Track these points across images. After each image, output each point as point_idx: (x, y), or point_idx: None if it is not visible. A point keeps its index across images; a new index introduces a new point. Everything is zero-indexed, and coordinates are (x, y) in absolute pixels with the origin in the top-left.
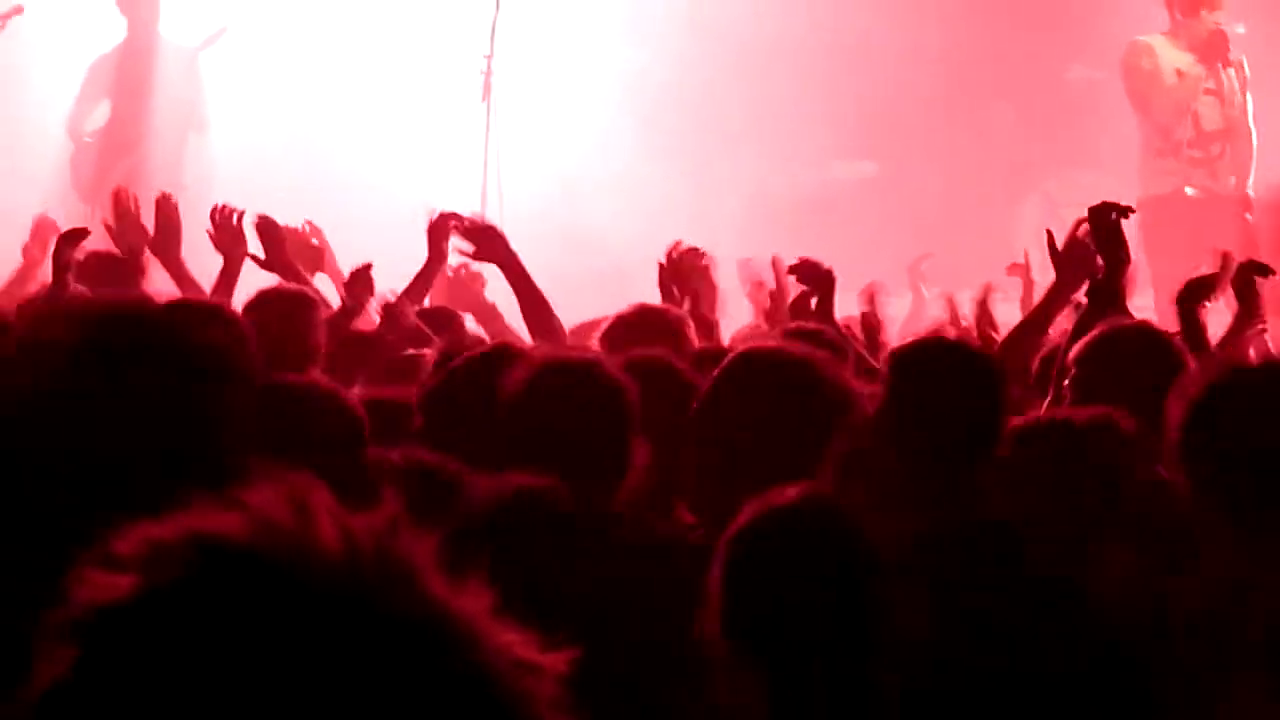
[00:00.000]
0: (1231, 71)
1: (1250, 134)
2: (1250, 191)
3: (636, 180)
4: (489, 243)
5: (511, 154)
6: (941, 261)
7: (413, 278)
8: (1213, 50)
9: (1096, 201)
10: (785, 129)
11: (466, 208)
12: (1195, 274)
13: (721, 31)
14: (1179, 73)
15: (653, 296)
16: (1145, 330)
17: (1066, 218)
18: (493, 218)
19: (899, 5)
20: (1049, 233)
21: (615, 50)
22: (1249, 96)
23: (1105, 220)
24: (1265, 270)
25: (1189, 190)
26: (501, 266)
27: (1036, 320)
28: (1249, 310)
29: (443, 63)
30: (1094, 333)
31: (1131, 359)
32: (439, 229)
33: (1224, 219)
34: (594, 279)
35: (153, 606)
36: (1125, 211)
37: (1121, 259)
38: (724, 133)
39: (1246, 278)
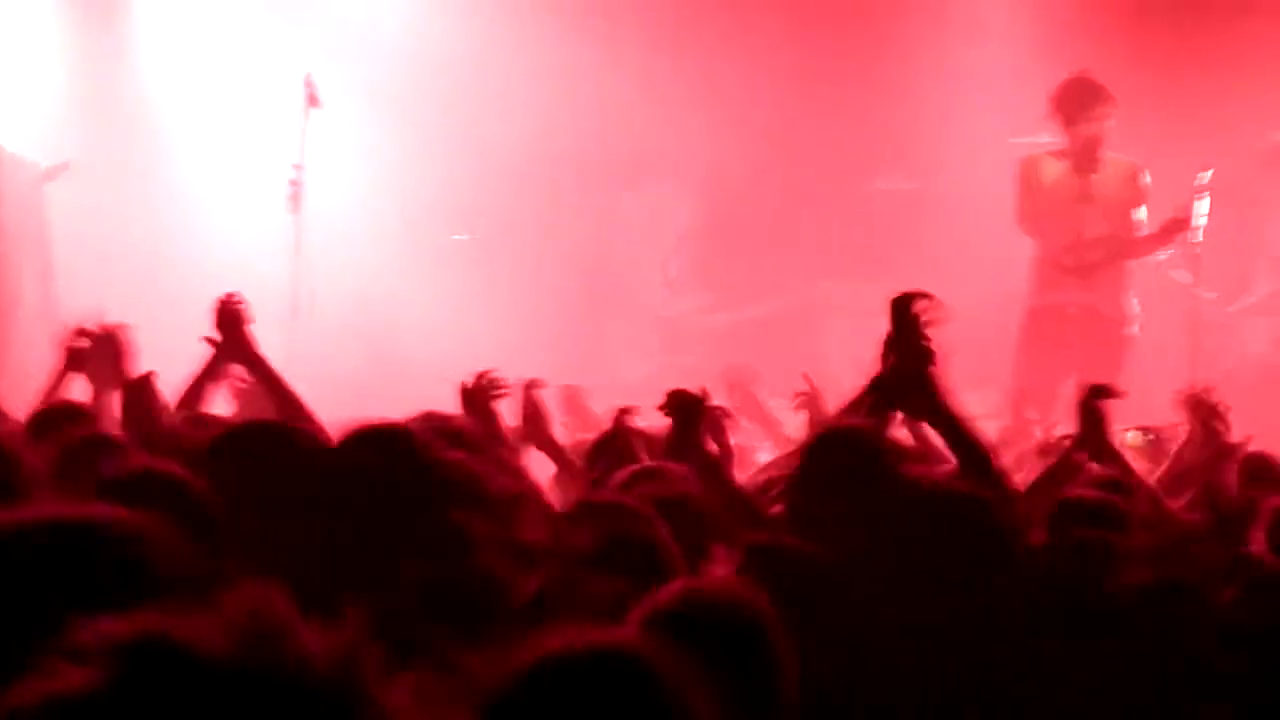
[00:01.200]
0: (1110, 177)
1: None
2: (1131, 301)
3: (436, 288)
4: (238, 340)
5: (319, 260)
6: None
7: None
8: (1087, 158)
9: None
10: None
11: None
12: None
13: (519, 147)
14: (1053, 184)
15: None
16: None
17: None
18: (303, 325)
19: (709, 119)
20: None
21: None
22: (1142, 208)
23: (904, 311)
24: (1106, 393)
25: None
26: (247, 363)
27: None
28: (1090, 427)
29: (253, 169)
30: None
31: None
32: (230, 316)
33: (1098, 334)
34: (391, 384)
35: (93, 701)
36: (925, 300)
37: (919, 353)
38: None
39: (1091, 397)
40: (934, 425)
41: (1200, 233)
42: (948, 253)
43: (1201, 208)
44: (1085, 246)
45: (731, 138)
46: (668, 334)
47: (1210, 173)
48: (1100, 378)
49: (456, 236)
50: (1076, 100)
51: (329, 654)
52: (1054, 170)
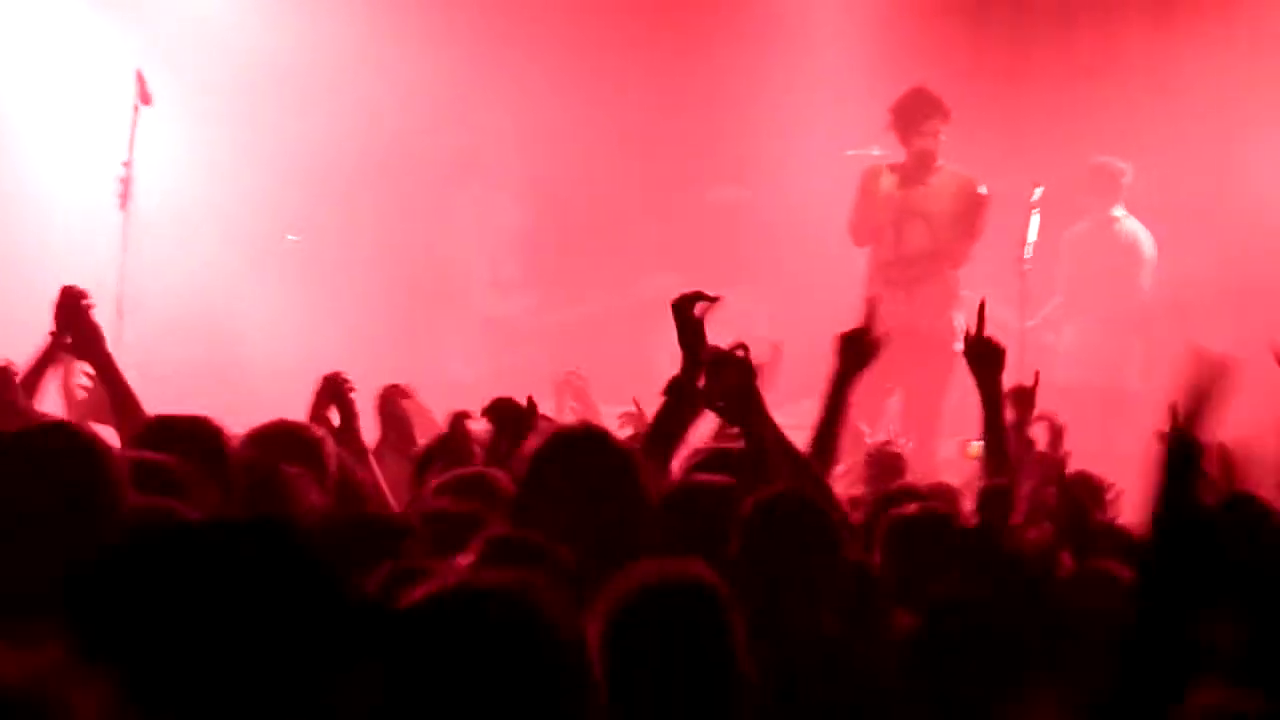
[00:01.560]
0: (942, 192)
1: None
2: (957, 317)
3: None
4: (89, 341)
5: (147, 257)
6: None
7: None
8: (918, 171)
9: (738, 319)
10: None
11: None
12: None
13: (350, 146)
14: (884, 196)
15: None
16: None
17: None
18: (129, 323)
19: (543, 128)
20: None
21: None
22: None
23: (684, 313)
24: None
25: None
26: (95, 362)
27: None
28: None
29: (82, 166)
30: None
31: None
32: (69, 307)
33: (919, 349)
34: (219, 381)
35: None
36: (710, 301)
37: (698, 354)
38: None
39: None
40: (741, 427)
41: (1030, 249)
42: (782, 263)
43: (1033, 224)
44: (906, 262)
45: (564, 139)
46: (498, 334)
47: (1040, 190)
48: (924, 393)
49: (290, 237)
50: (910, 113)
51: (19, 667)
52: (888, 183)
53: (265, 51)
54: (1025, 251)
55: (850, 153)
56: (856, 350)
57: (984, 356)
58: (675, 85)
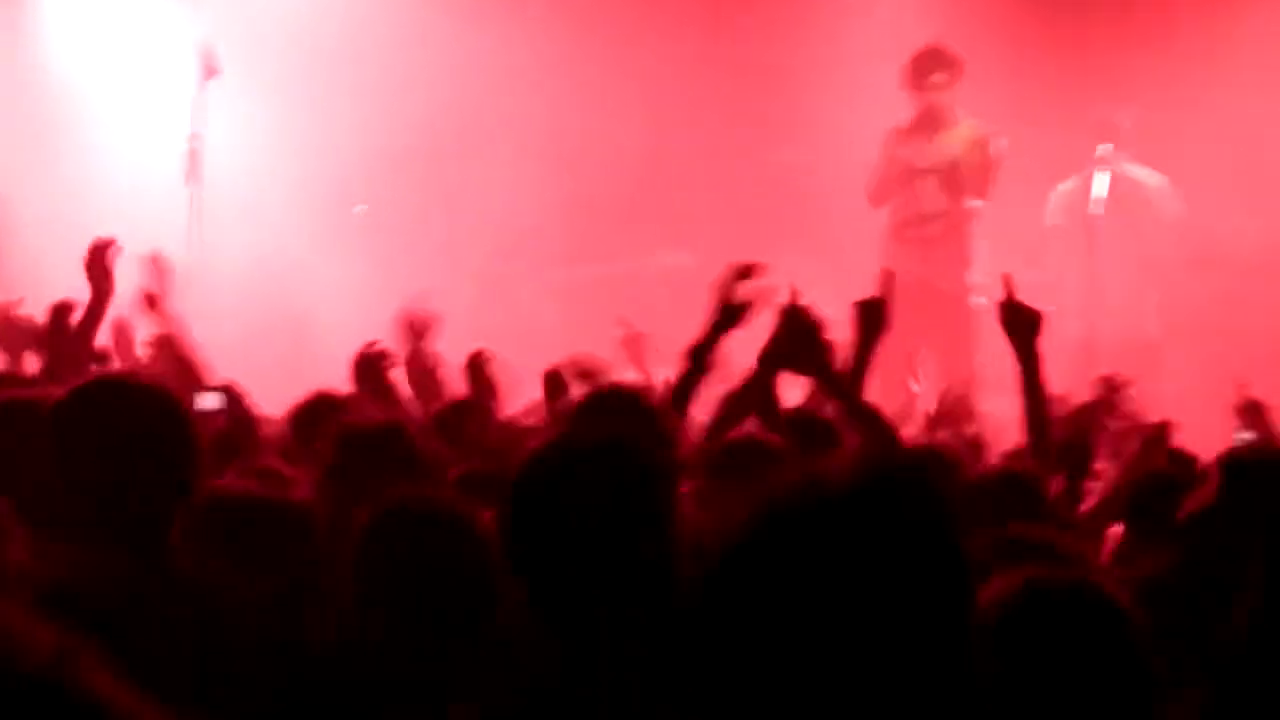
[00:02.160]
0: (954, 146)
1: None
2: (974, 277)
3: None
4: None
5: (214, 229)
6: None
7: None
8: (927, 124)
9: (816, 289)
10: (467, 224)
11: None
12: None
13: (417, 121)
14: (897, 156)
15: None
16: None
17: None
18: (198, 295)
19: (604, 97)
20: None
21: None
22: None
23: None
24: None
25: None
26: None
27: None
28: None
29: (149, 140)
30: None
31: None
32: (97, 262)
33: (937, 308)
34: (287, 350)
35: None
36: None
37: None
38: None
39: None
40: (826, 389)
41: (1097, 205)
42: (840, 227)
43: (1099, 181)
44: (922, 220)
45: (622, 108)
46: (564, 299)
47: (1107, 147)
48: (949, 351)
49: (357, 208)
50: (915, 69)
51: (42, 646)
52: (902, 142)
53: (326, 26)
54: (1092, 207)
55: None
56: (873, 318)
57: (1018, 322)
58: (735, 52)
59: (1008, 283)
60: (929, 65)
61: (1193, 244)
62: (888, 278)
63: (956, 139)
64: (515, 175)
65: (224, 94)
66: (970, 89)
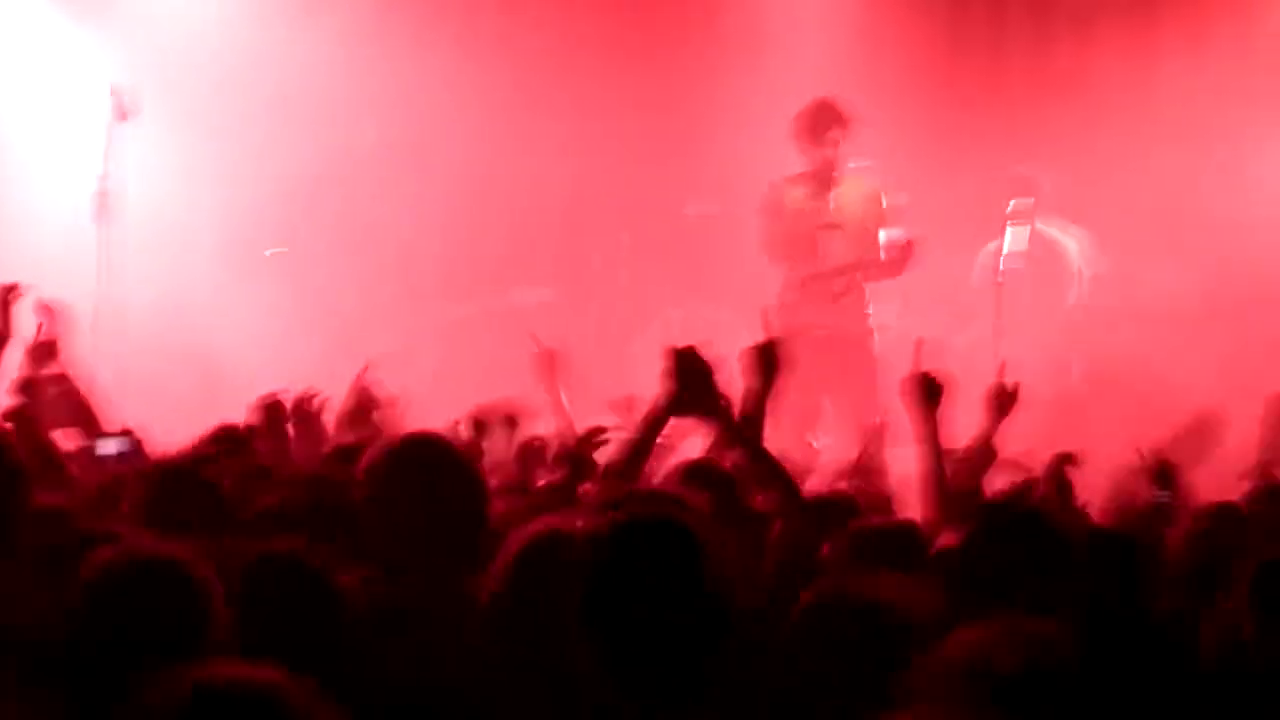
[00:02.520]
0: (852, 200)
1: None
2: (871, 319)
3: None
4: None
5: (128, 269)
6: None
7: None
8: (824, 182)
9: (715, 333)
10: (380, 262)
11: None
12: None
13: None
14: (795, 210)
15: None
16: None
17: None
18: (106, 337)
19: (523, 136)
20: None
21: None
22: (884, 229)
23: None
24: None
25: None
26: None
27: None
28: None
29: (60, 180)
30: None
31: None
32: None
33: (845, 354)
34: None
35: None
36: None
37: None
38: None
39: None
40: (724, 435)
41: (1007, 261)
42: (756, 277)
43: (1012, 237)
44: (830, 275)
45: (544, 152)
46: (476, 335)
47: (1017, 202)
48: (855, 398)
49: (270, 251)
50: (811, 124)
51: None
52: (796, 196)
53: (239, 65)
54: (1000, 264)
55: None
56: (768, 362)
57: (924, 392)
58: (653, 100)
59: (918, 351)
60: (827, 120)
61: (1114, 296)
62: (767, 318)
63: (854, 193)
64: (426, 212)
65: (137, 133)
66: (889, 145)
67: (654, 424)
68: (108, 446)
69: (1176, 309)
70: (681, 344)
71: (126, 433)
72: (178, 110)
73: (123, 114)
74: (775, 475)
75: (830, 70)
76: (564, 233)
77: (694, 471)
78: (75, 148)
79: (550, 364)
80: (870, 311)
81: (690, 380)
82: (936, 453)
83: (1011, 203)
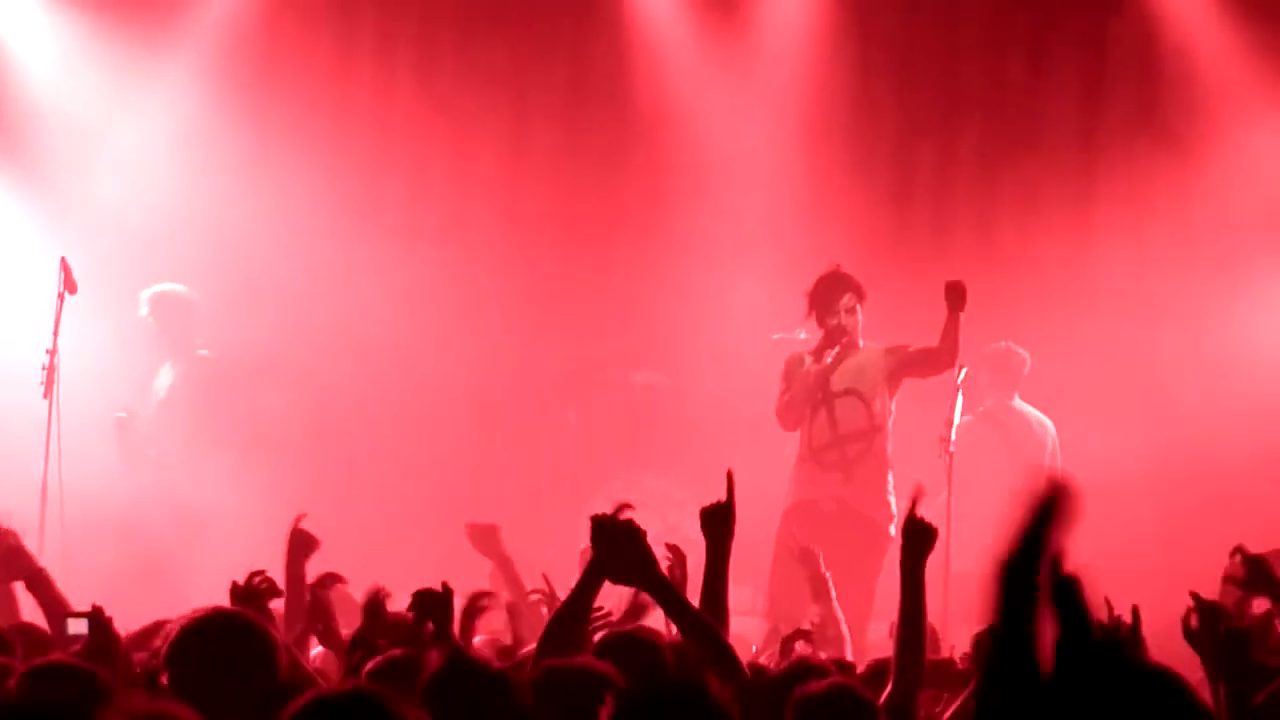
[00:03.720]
0: (865, 367)
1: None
2: (891, 499)
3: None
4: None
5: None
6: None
7: None
8: (830, 348)
9: (660, 502)
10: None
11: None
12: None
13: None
14: (807, 379)
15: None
16: None
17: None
18: (51, 514)
19: (469, 316)
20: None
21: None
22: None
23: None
24: None
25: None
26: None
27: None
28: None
29: (6, 356)
30: None
31: None
32: None
33: (852, 531)
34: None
35: None
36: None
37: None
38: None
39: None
40: (657, 601)
41: (955, 430)
42: (704, 448)
43: (959, 405)
44: (843, 441)
45: (481, 317)
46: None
47: (965, 370)
48: (853, 577)
49: (120, 414)
50: (822, 295)
51: None
52: (810, 365)
53: (180, 240)
54: (950, 433)
55: (776, 336)
56: (721, 523)
57: (915, 537)
58: (597, 272)
59: (916, 495)
60: (834, 291)
61: (1063, 468)
62: (731, 479)
63: (868, 360)
64: (371, 396)
65: (82, 308)
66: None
67: (582, 590)
68: (77, 626)
69: (1117, 481)
70: (601, 512)
71: (94, 614)
72: (120, 284)
73: (71, 287)
74: (710, 642)
75: (776, 252)
76: (512, 410)
77: (615, 643)
78: (23, 323)
79: (492, 536)
80: (890, 483)
81: (610, 547)
82: (920, 601)
83: (962, 371)
